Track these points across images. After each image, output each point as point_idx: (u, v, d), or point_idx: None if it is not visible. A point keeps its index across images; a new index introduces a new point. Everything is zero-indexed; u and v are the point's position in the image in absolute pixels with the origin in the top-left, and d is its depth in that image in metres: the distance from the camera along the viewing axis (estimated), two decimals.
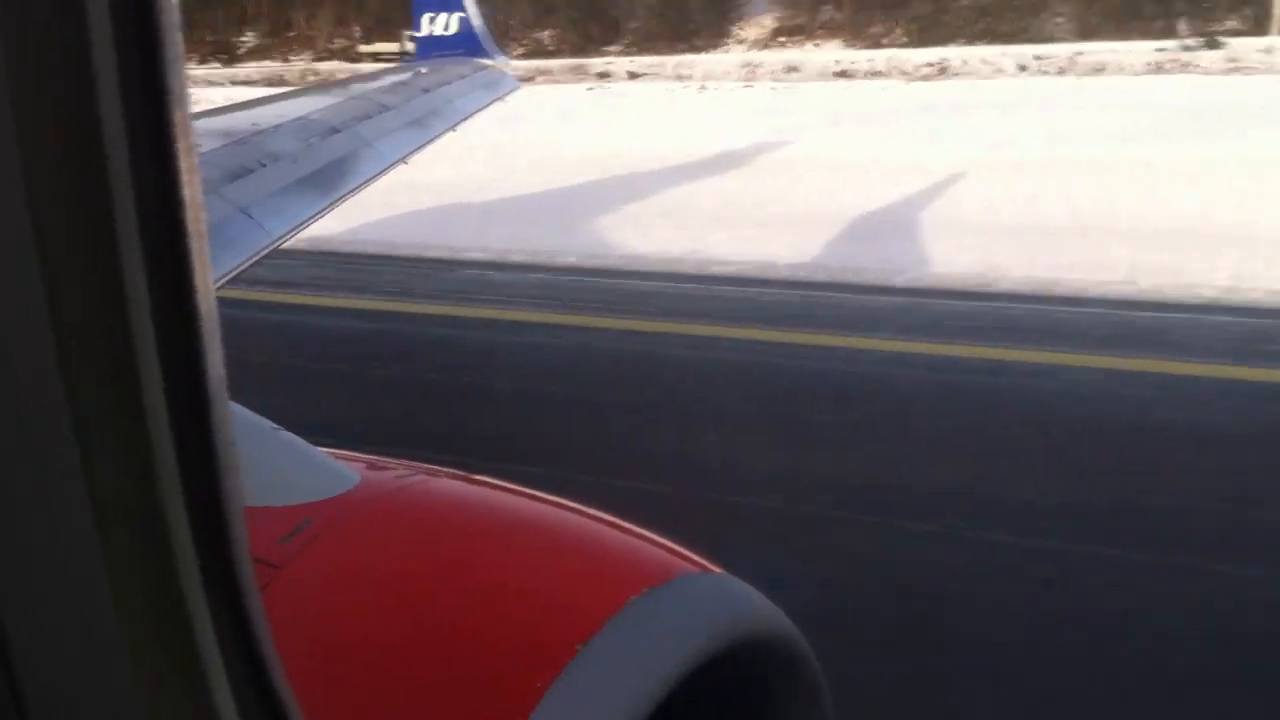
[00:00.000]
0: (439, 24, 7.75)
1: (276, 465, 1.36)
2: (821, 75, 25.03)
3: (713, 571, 1.16)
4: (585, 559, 1.19)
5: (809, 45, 29.88)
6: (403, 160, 4.35)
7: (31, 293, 0.50)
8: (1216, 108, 15.81)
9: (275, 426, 1.48)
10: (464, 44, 7.70)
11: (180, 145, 0.52)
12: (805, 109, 18.84)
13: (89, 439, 0.52)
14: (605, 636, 1.02)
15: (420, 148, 4.65)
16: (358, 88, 5.33)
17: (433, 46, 7.76)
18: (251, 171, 3.23)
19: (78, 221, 0.50)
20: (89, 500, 0.53)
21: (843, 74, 25.02)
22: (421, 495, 1.33)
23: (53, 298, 0.50)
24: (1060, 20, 27.94)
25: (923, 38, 27.86)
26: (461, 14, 7.76)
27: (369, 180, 3.91)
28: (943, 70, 24.58)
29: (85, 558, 0.54)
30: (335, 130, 4.09)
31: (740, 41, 30.79)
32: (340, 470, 1.35)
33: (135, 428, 0.53)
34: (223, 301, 0.62)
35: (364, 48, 32.95)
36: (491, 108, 6.43)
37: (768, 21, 31.06)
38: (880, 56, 26.31)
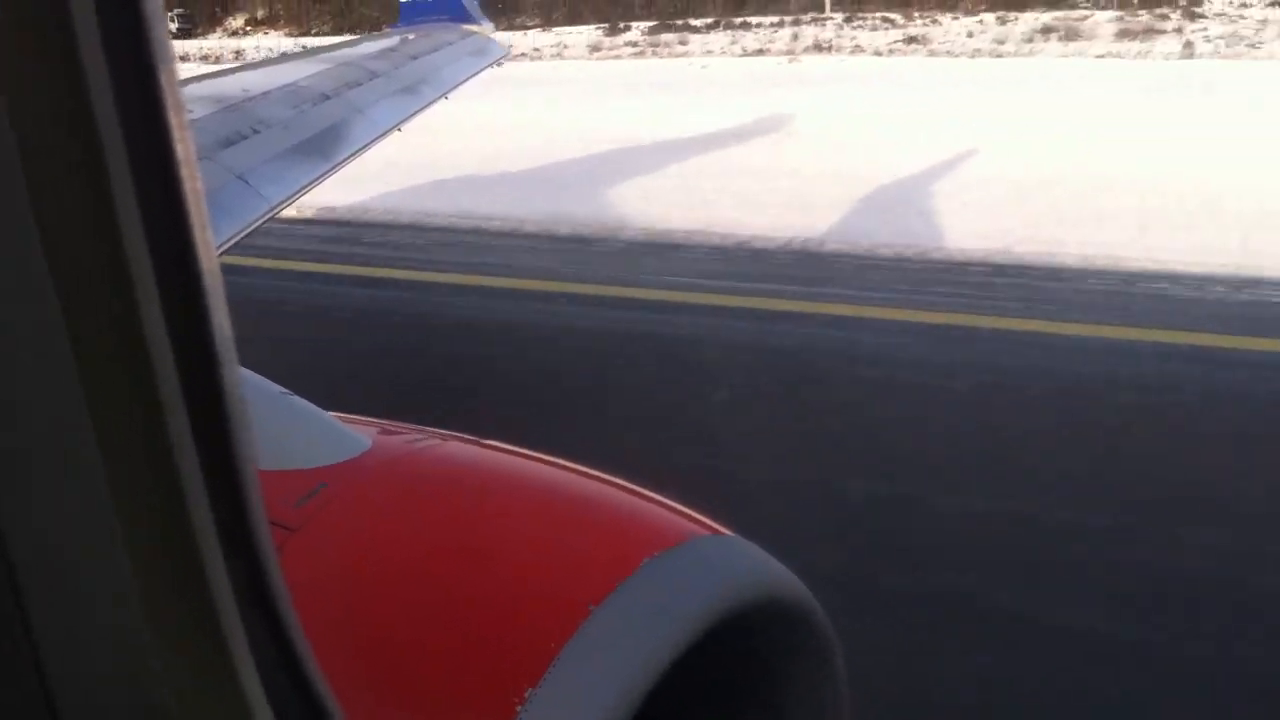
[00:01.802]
0: None
1: (288, 430, 1.37)
2: None
3: (724, 534, 1.18)
4: (597, 522, 1.20)
5: None
6: (396, 128, 4.32)
7: (33, 265, 0.50)
8: None
9: (285, 391, 1.49)
10: (448, 9, 7.61)
11: (169, 100, 0.51)
12: None
13: (100, 411, 0.52)
14: (617, 598, 1.03)
15: (413, 115, 4.61)
16: (345, 54, 5.28)
17: (416, 12, 7.67)
18: (245, 138, 3.21)
19: (73, 186, 0.49)
20: (104, 471, 0.53)
21: None
22: (434, 459, 1.34)
23: (54, 267, 0.50)
24: None
25: None
26: None
27: (364, 147, 3.89)
28: None
29: (103, 528, 0.54)
30: (326, 97, 4.06)
31: None
32: (352, 435, 1.36)
33: (146, 394, 0.52)
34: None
35: None
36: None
37: None
38: None
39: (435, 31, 6.76)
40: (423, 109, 4.81)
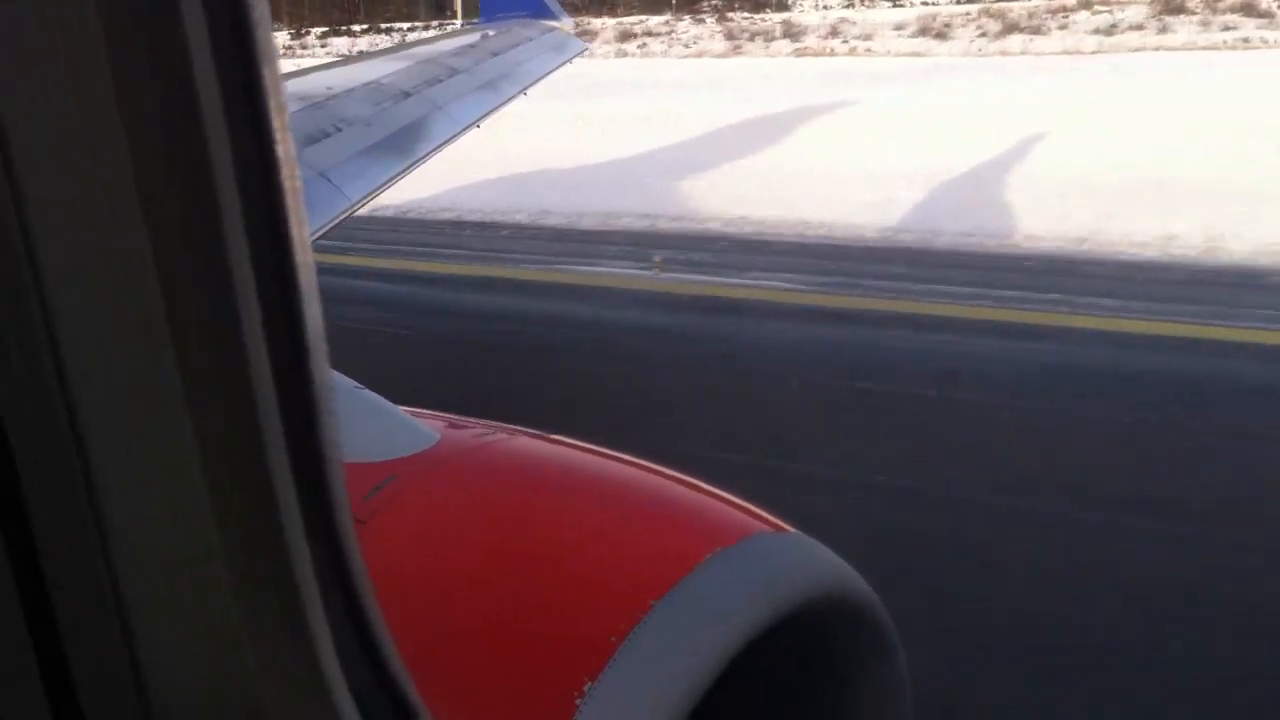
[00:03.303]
0: None
1: (360, 422, 1.40)
2: None
3: (786, 531, 1.18)
4: (659, 518, 1.21)
5: None
6: (475, 124, 4.37)
7: (138, 257, 0.51)
8: None
9: (357, 385, 1.53)
10: (529, 5, 7.67)
11: (272, 103, 0.52)
12: None
13: (196, 400, 0.53)
14: (678, 593, 1.04)
15: (491, 111, 4.66)
16: (426, 51, 5.36)
17: (498, 8, 7.74)
18: (328, 135, 3.28)
19: (179, 184, 0.50)
20: (199, 461, 0.54)
21: None
22: (500, 454, 1.36)
23: (160, 262, 0.51)
24: None
25: None
26: None
27: (444, 144, 3.94)
28: None
29: (196, 518, 0.55)
30: (406, 94, 4.12)
31: None
32: (421, 428, 1.39)
33: (241, 386, 0.53)
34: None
35: None
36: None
37: None
38: None
39: (515, 27, 6.82)
40: (502, 105, 4.86)
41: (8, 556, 0.57)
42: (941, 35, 25.55)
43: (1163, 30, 23.79)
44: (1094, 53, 22.43)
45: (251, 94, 0.51)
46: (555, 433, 1.42)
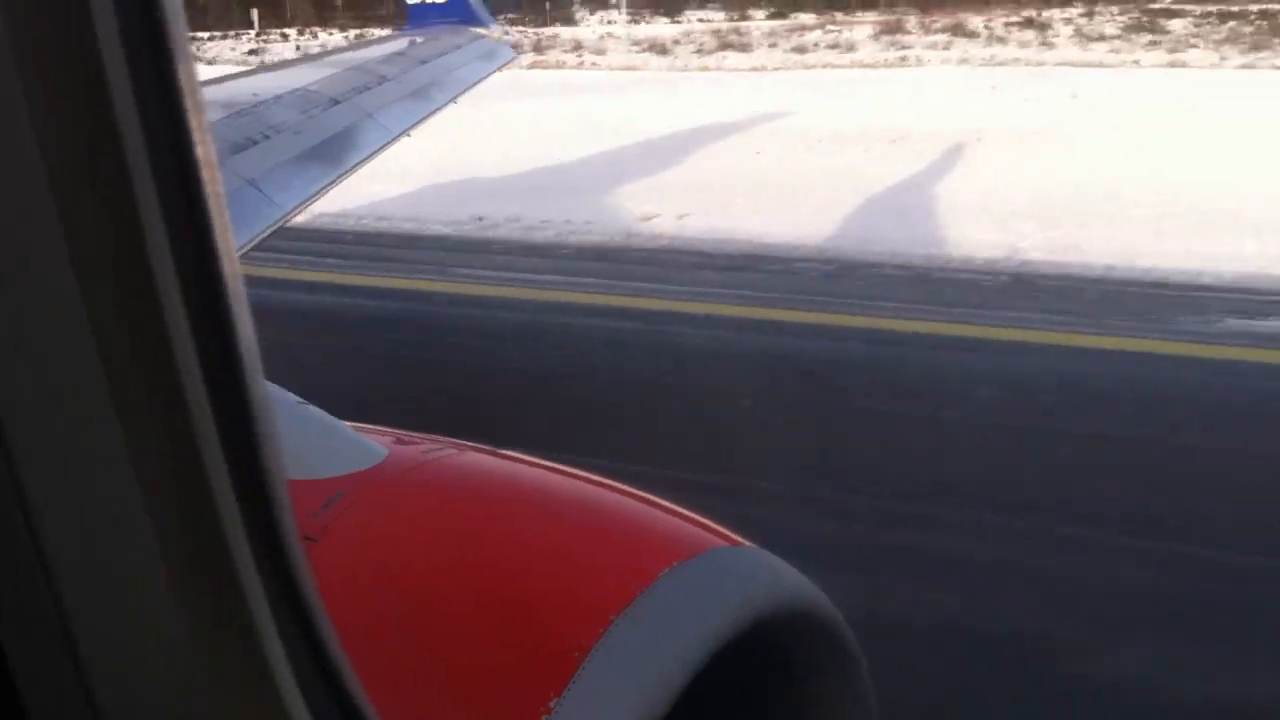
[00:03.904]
0: None
1: (305, 439, 1.37)
2: None
3: (744, 545, 1.17)
4: (615, 533, 1.20)
5: None
6: (405, 133, 4.32)
7: (63, 277, 0.49)
8: None
9: (301, 401, 1.49)
10: (457, 12, 7.62)
11: (189, 103, 0.50)
12: None
13: (128, 418, 0.52)
14: (637, 609, 1.03)
15: (422, 119, 4.61)
16: (353, 57, 5.28)
17: (426, 14, 7.68)
18: (255, 143, 3.21)
19: (96, 191, 0.49)
20: (136, 482, 0.53)
21: None
22: (451, 469, 1.34)
23: (83, 281, 0.49)
24: None
25: None
26: None
27: (375, 153, 3.89)
28: None
29: (138, 537, 0.54)
30: (336, 102, 4.06)
31: None
32: (368, 444, 1.36)
33: (175, 405, 0.52)
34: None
35: None
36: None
37: None
38: None
39: (443, 35, 6.76)
40: (432, 113, 4.82)
41: None
42: (663, 51, 27.68)
43: (852, 48, 26.83)
44: (776, 69, 24.85)
45: (167, 93, 0.50)
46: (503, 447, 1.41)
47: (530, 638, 1.05)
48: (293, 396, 1.47)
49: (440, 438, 1.44)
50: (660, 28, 33.03)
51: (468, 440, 1.43)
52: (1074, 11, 28.11)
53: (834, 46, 27.21)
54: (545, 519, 1.24)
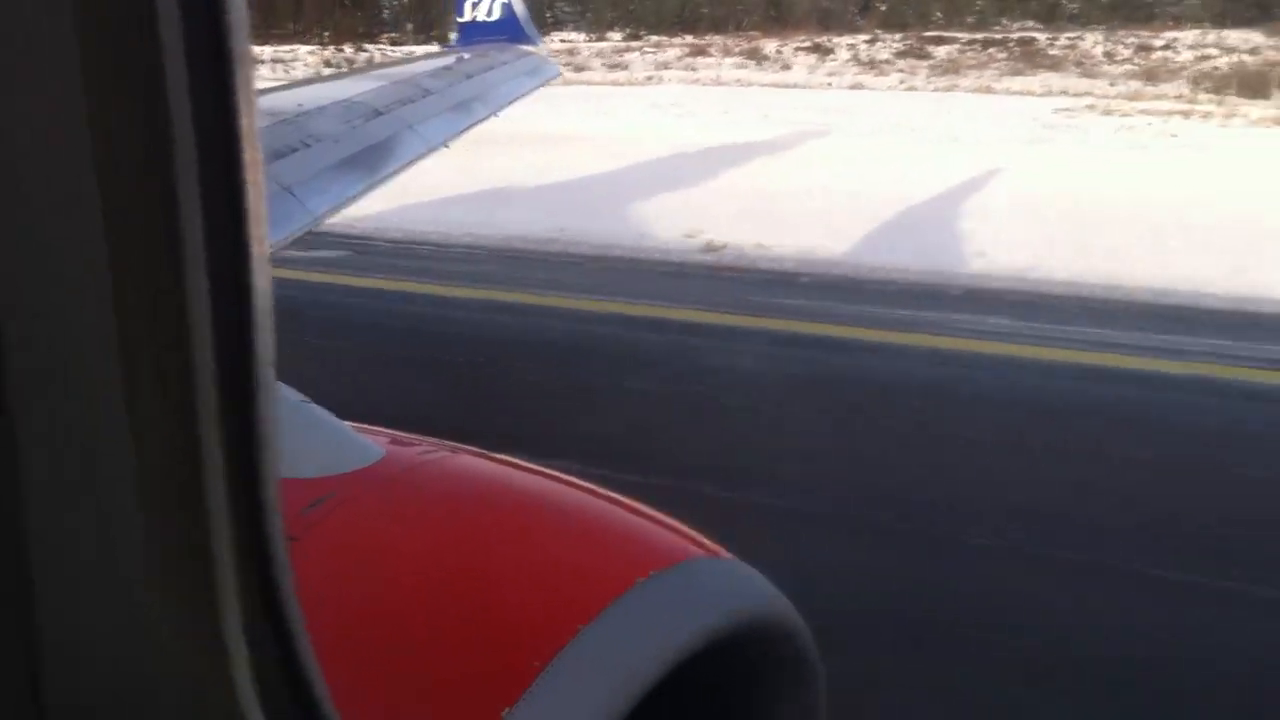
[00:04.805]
0: (482, 9, 7.76)
1: (304, 437, 1.38)
2: None
3: (721, 556, 1.17)
4: (595, 540, 1.20)
5: None
6: (444, 144, 4.38)
7: (96, 264, 0.50)
8: None
9: (305, 399, 1.51)
10: (506, 30, 7.70)
11: (242, 107, 0.52)
12: None
13: (137, 402, 0.53)
14: (605, 618, 1.03)
15: (461, 132, 4.67)
16: (401, 72, 5.36)
17: (475, 32, 7.77)
18: (295, 151, 3.28)
19: (143, 185, 0.50)
20: (134, 467, 0.54)
21: None
22: (441, 472, 1.35)
23: (114, 261, 0.50)
24: None
25: None
26: (505, 0, 7.77)
27: (410, 162, 3.95)
28: None
29: (124, 520, 0.55)
30: (378, 113, 4.13)
31: None
32: (365, 445, 1.37)
33: (184, 401, 0.53)
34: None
35: None
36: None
37: None
38: None
39: (491, 51, 6.84)
40: (472, 126, 4.88)
41: None
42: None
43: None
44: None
45: (224, 103, 0.51)
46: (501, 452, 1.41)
47: (495, 645, 1.05)
48: (296, 394, 1.49)
49: (438, 440, 1.45)
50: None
51: (465, 444, 1.44)
52: (861, 39, 29.24)
53: (615, 67, 28.28)
54: (527, 524, 1.24)
